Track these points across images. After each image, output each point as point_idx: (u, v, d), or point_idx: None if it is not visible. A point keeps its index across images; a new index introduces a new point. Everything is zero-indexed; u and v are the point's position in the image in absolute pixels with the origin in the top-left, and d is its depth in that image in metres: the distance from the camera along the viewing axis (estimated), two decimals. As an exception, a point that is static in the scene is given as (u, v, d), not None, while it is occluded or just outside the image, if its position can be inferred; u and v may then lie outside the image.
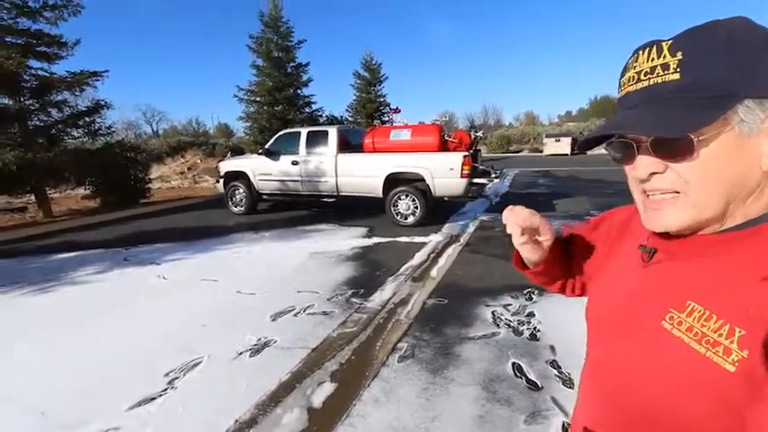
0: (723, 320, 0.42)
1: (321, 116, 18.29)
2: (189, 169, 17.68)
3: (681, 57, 0.43)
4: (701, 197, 0.44)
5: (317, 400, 2.15)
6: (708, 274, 0.46)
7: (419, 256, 4.78)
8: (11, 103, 8.65)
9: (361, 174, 6.79)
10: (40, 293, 3.93)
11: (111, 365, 2.55)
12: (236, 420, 1.99)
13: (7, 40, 8.62)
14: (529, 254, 0.69)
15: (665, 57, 0.45)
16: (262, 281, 4.06)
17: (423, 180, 6.26)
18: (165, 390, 2.26)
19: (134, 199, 10.57)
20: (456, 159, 5.99)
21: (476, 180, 6.25)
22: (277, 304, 3.43)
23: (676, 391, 0.44)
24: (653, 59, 0.46)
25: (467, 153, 6.04)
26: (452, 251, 4.99)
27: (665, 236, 0.51)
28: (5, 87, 8.49)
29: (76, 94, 9.90)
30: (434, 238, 5.63)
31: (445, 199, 6.48)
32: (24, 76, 8.83)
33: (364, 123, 20.06)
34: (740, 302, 0.42)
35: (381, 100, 22.34)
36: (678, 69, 0.44)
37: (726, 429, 0.41)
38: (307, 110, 17.43)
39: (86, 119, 10.04)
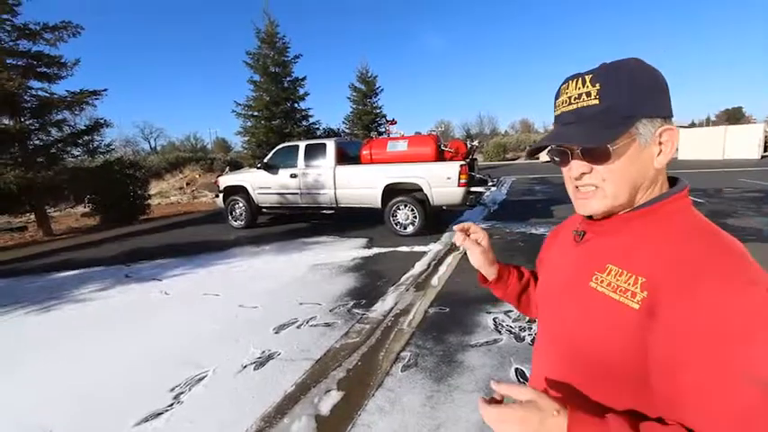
0: (630, 273, 0.57)
1: (318, 129, 18.44)
2: (188, 185, 17.76)
3: (599, 87, 0.59)
4: (613, 190, 0.61)
5: (323, 410, 2.17)
6: (620, 243, 0.63)
7: (419, 266, 4.82)
8: (11, 123, 8.74)
9: (360, 185, 6.85)
10: (43, 312, 3.94)
11: (117, 381, 2.57)
12: (243, 433, 2.01)
13: (8, 61, 8.75)
14: (475, 258, 0.93)
15: (587, 86, 0.60)
16: (263, 294, 4.08)
17: (420, 190, 6.33)
18: (172, 405, 2.28)
19: (134, 215, 10.60)
20: (453, 169, 6.07)
21: (473, 188, 6.31)
22: (279, 317, 3.45)
23: (604, 333, 0.58)
24: (579, 88, 0.61)
25: (463, 162, 6.12)
26: (452, 260, 5.03)
27: (591, 220, 0.68)
28: (6, 108, 8.59)
29: (76, 113, 10.01)
30: (434, 247, 5.67)
31: (443, 208, 6.54)
32: (25, 97, 8.94)
33: (361, 135, 20.25)
34: (638, 259, 0.58)
35: (378, 111, 22.57)
36: (597, 97, 0.59)
37: (636, 357, 0.54)
38: (304, 123, 17.59)
39: (85, 137, 10.14)
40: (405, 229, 6.50)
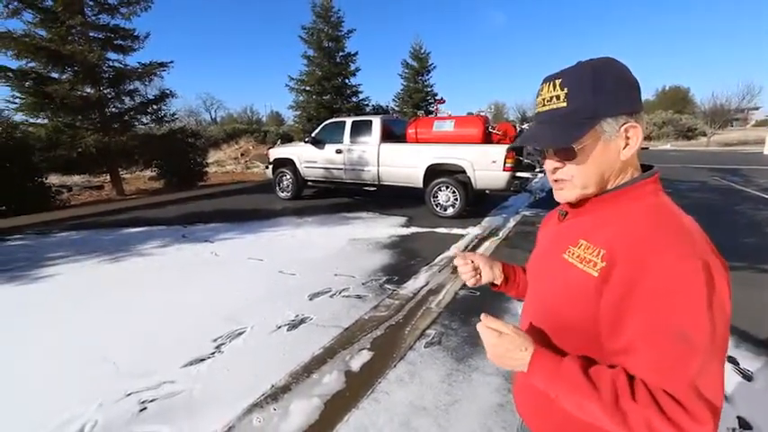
0: (595, 247, 0.65)
1: (368, 105, 18.47)
2: (242, 155, 18.68)
3: (566, 91, 0.66)
4: (583, 182, 0.70)
5: (345, 375, 2.30)
6: (591, 221, 0.71)
7: (455, 248, 4.79)
8: (92, 91, 9.65)
9: (403, 164, 6.84)
10: (114, 262, 4.45)
11: (169, 328, 2.89)
12: (272, 385, 2.20)
13: (90, 34, 9.58)
14: (486, 271, 1.00)
15: (557, 90, 0.68)
16: (303, 262, 4.30)
17: (464, 172, 6.20)
18: (213, 353, 2.53)
19: (193, 181, 11.42)
20: (499, 152, 5.87)
21: (519, 174, 6.07)
22: (315, 285, 3.64)
23: (569, 297, 0.68)
24: (551, 91, 0.69)
25: (510, 146, 5.88)
26: (490, 245, 4.95)
27: (572, 203, 0.76)
28: (89, 78, 9.47)
29: (146, 83, 10.82)
30: (473, 231, 5.60)
31: (486, 192, 6.39)
32: (103, 68, 9.79)
33: (410, 113, 19.99)
34: (603, 235, 0.66)
35: (429, 90, 22.09)
36: (565, 100, 0.67)
37: (592, 317, 0.64)
38: (354, 99, 17.70)
39: (154, 106, 10.96)
40: (445, 210, 6.45)
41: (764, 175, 11.50)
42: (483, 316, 0.74)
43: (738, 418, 1.88)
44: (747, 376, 2.21)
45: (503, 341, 0.68)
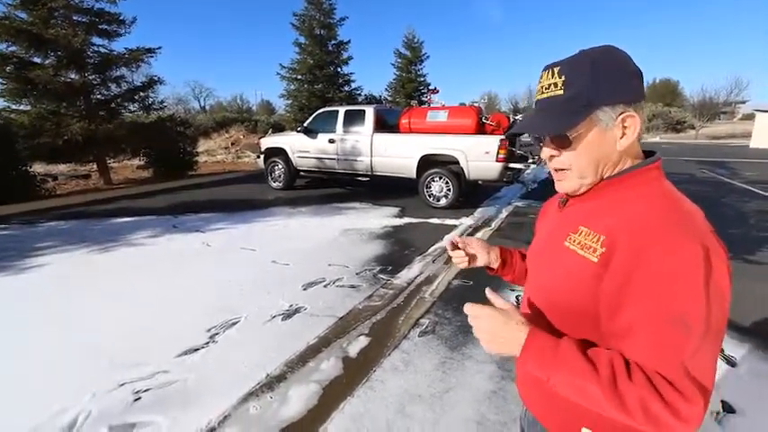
0: (595, 233, 0.65)
1: (360, 95, 18.28)
2: (232, 144, 18.41)
3: (564, 79, 0.66)
4: (580, 171, 0.70)
5: (341, 363, 2.32)
6: (591, 207, 0.72)
7: (448, 238, 4.81)
8: (77, 77, 9.36)
9: (396, 154, 6.82)
10: (103, 252, 4.38)
11: (162, 318, 2.86)
12: (268, 375, 2.20)
13: (74, 18, 9.26)
14: (482, 256, 1.02)
15: (555, 78, 0.68)
16: (296, 252, 4.28)
17: (457, 162, 6.21)
18: (207, 343, 2.52)
19: (183, 171, 11.22)
20: (492, 143, 5.87)
21: (512, 165, 6.10)
22: (309, 275, 3.63)
23: (569, 283, 0.68)
24: (549, 78, 0.69)
25: (504, 136, 5.90)
26: (483, 235, 4.98)
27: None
28: (73, 63, 9.18)
29: (133, 70, 10.50)
30: (465, 222, 5.63)
31: (479, 182, 6.41)
32: (88, 53, 9.49)
33: (403, 103, 19.87)
34: (604, 221, 0.66)
35: (422, 80, 21.93)
36: (562, 88, 0.66)
37: (592, 302, 0.64)
38: (346, 88, 17.49)
39: (141, 94, 10.66)
40: (438, 201, 6.47)
41: (750, 168, 11.73)
42: (488, 291, 0.76)
43: (723, 401, 1.94)
44: (731, 362, 2.28)
45: (497, 315, 0.66)
